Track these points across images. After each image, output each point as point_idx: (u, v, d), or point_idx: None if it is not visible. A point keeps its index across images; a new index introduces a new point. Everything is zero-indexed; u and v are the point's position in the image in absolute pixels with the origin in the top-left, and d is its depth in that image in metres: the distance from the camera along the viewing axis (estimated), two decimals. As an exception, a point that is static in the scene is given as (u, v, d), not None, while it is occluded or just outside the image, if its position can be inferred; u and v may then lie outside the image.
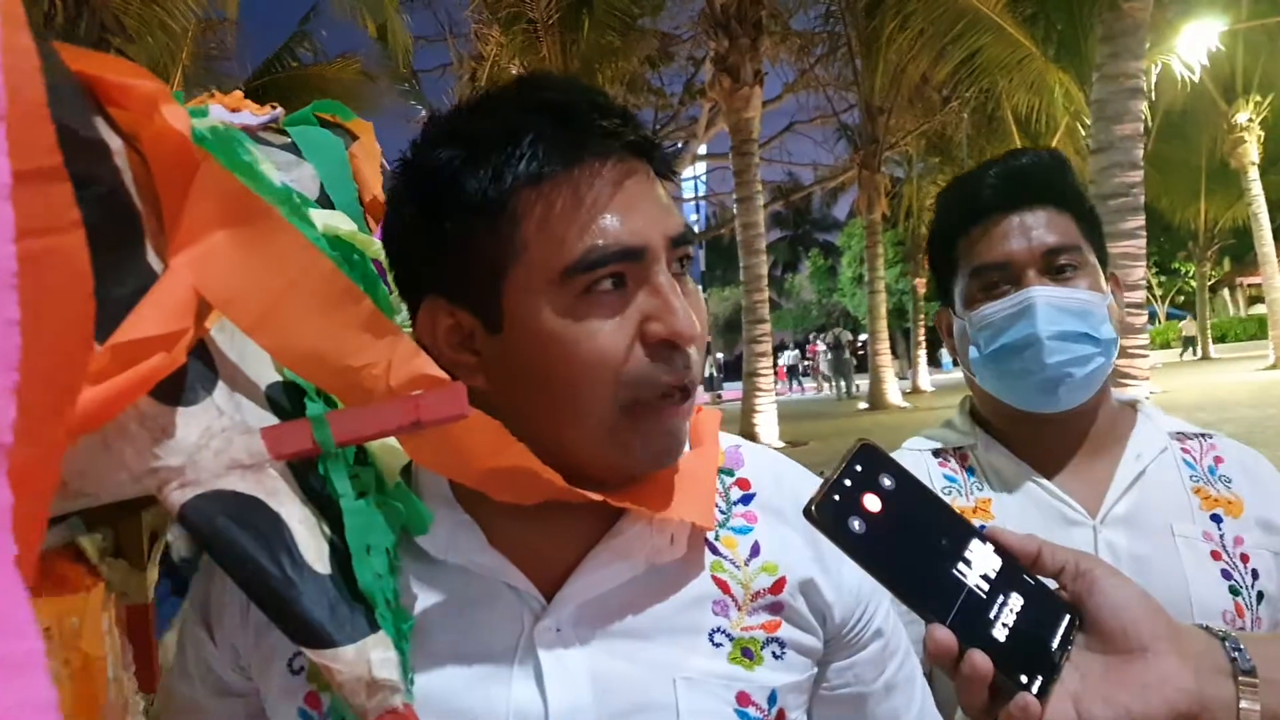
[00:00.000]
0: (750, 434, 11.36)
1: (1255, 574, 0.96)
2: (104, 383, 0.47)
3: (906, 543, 0.53)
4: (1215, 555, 0.97)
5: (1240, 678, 0.50)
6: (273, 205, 0.57)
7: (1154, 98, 11.55)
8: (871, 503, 0.53)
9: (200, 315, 0.55)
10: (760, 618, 0.68)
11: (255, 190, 0.57)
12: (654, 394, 0.62)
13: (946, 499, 1.06)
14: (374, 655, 0.54)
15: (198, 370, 0.56)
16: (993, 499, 1.05)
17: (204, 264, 0.54)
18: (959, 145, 17.42)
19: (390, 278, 0.70)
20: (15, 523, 0.31)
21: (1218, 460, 1.04)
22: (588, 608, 0.65)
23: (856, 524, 0.52)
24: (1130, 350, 7.72)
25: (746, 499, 0.72)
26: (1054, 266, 0.99)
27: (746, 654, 0.66)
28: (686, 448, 0.70)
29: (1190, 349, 24.54)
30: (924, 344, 21.52)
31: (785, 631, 0.68)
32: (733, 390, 16.04)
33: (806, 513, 0.52)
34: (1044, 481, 1.04)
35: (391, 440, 0.65)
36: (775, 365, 14.33)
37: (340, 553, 0.58)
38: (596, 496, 0.63)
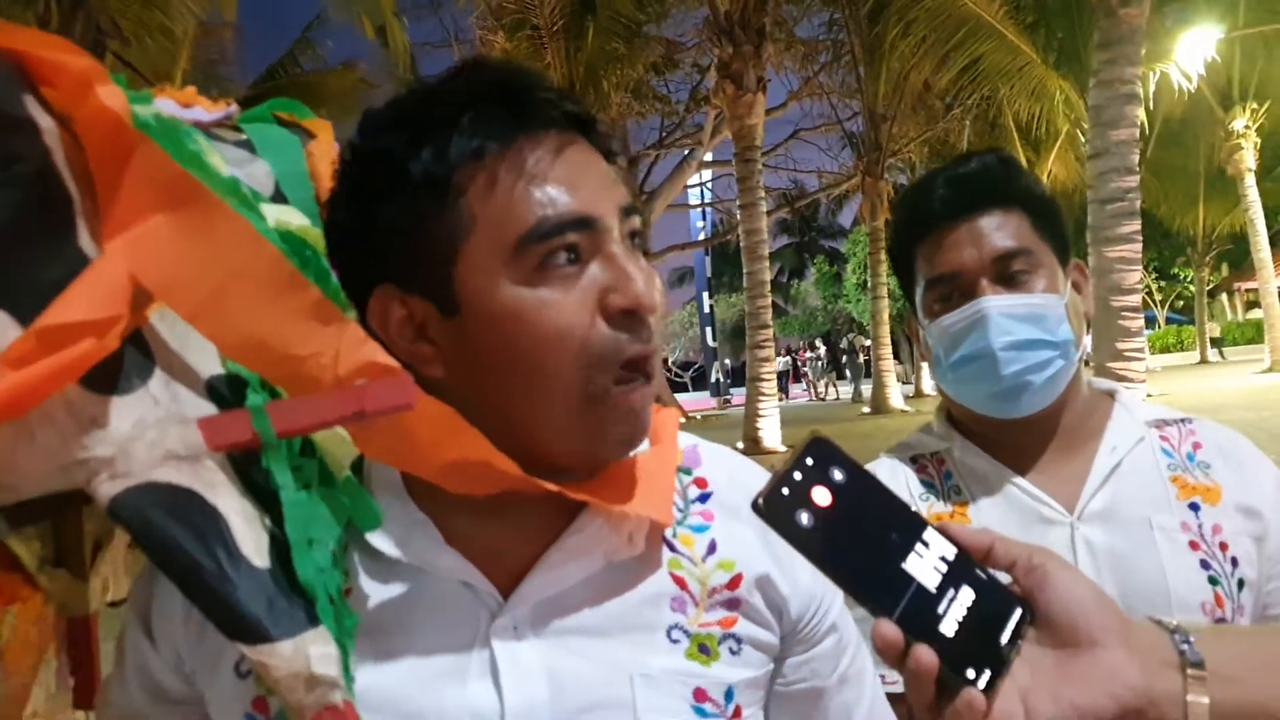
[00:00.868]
0: (754, 438, 11.33)
1: (1235, 561, 0.95)
2: (27, 368, 0.46)
3: (855, 537, 0.52)
4: (1194, 545, 0.95)
5: (1189, 670, 0.50)
6: (218, 193, 0.56)
7: (1153, 105, 11.57)
8: (821, 496, 0.52)
9: (139, 303, 0.54)
10: (717, 614, 0.67)
11: (200, 179, 0.56)
12: (617, 368, 0.61)
13: (924, 506, 1.06)
14: (313, 650, 0.53)
15: (134, 359, 0.55)
16: (970, 504, 1.05)
17: (141, 249, 0.53)
18: (961, 152, 17.39)
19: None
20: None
21: (1196, 446, 1.03)
22: (545, 605, 0.64)
23: (804, 518, 0.51)
24: (1127, 353, 7.70)
25: (704, 497, 0.72)
26: (1006, 273, 0.98)
27: (703, 650, 0.65)
28: (646, 445, 0.69)
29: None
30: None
31: (742, 627, 0.67)
32: (740, 396, 16.09)
33: (754, 506, 0.51)
34: (1021, 481, 1.02)
35: (341, 432, 0.63)
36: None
37: (283, 547, 0.56)
38: (553, 487, 0.62)
